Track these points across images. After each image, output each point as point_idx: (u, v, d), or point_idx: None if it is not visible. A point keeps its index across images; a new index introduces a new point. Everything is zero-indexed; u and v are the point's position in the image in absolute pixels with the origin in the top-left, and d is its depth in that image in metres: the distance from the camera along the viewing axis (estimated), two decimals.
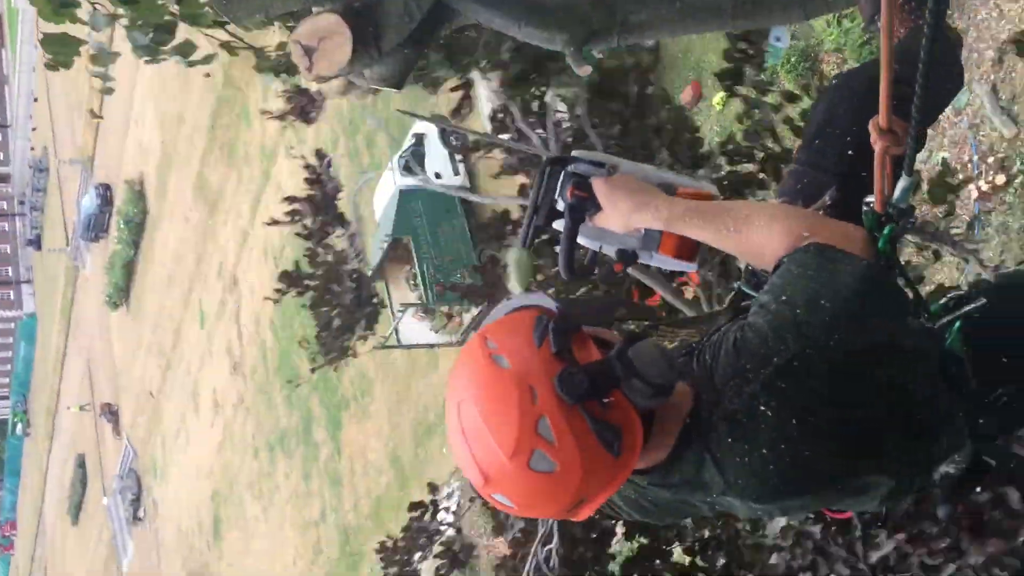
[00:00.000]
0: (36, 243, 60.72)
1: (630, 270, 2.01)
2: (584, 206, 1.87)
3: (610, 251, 1.93)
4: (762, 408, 1.59)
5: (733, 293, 2.07)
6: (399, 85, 2.34)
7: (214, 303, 28.28)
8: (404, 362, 17.73)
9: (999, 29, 7.83)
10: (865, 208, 1.89)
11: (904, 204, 1.83)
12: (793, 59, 9.79)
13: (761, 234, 1.71)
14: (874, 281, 1.65)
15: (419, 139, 15.90)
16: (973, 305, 1.81)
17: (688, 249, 1.89)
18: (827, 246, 1.65)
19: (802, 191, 2.22)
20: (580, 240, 1.93)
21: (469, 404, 1.50)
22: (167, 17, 3.57)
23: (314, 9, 1.94)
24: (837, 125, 2.21)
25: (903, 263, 2.30)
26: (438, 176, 15.52)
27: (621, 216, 1.84)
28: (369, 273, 16.26)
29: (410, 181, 15.36)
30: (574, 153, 1.98)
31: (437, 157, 15.74)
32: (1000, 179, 7.70)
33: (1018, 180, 7.56)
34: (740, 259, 1.86)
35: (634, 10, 2.33)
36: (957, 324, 1.83)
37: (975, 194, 7.88)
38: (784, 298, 1.64)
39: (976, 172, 7.96)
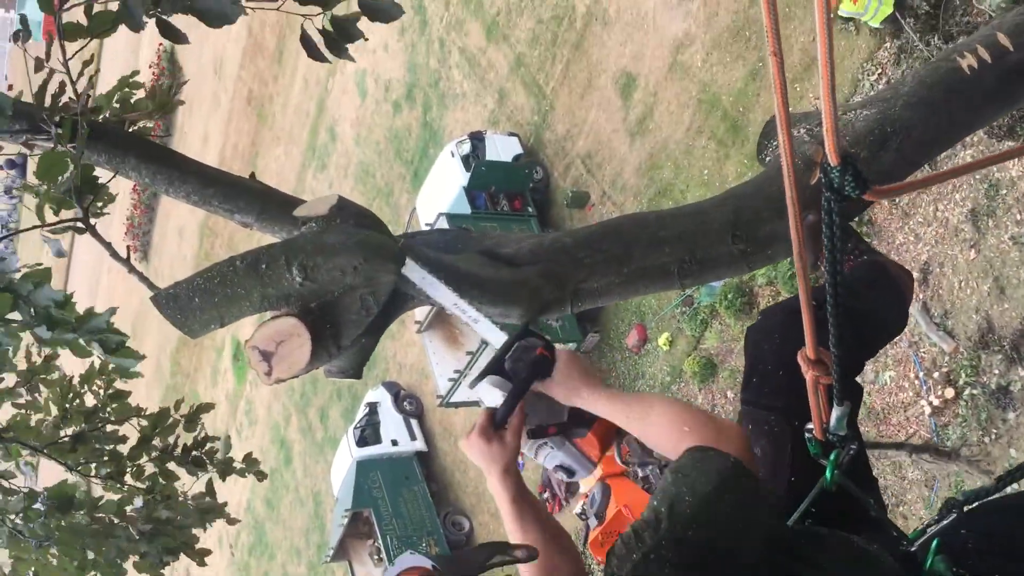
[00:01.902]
0: None
1: None
2: (547, 368, 2.04)
3: (530, 422, 2.10)
4: None
5: None
6: (358, 375, 2.32)
7: None
8: None
9: (919, 251, 8.26)
10: (807, 436, 1.94)
11: (842, 431, 1.87)
12: (730, 295, 10.16)
13: (654, 424, 1.89)
14: (735, 479, 1.68)
15: (372, 408, 15.87)
16: (946, 521, 1.77)
17: (602, 445, 2.12)
18: (701, 448, 1.73)
19: (754, 431, 2.27)
20: (491, 393, 2.07)
21: None
22: None
23: (269, 313, 1.95)
24: (766, 362, 2.31)
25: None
26: (395, 443, 15.36)
27: (570, 385, 2.03)
28: (330, 555, 15.68)
29: (366, 451, 15.14)
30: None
31: (392, 424, 15.66)
32: (949, 393, 7.82)
33: (967, 392, 7.69)
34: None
35: (584, 279, 2.39)
36: (935, 543, 1.78)
37: (928, 410, 7.97)
38: (655, 502, 1.68)
39: (924, 388, 8.10)
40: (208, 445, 4.69)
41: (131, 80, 2.76)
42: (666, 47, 11.67)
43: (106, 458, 4.23)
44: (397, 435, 15.39)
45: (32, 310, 2.50)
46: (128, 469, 4.34)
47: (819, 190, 2.15)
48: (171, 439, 4.53)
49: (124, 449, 4.36)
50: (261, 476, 4.93)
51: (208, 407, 4.79)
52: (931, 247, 8.16)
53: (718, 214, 2.35)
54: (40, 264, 3.81)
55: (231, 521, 4.77)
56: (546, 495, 13.17)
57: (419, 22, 17.06)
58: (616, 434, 2.16)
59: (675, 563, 1.57)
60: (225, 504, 4.72)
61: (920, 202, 8.35)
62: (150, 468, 4.49)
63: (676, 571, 1.57)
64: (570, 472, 2.18)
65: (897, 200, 8.51)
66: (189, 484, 4.63)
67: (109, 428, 4.26)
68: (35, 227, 2.26)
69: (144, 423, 4.41)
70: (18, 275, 2.62)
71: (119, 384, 4.41)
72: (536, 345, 2.08)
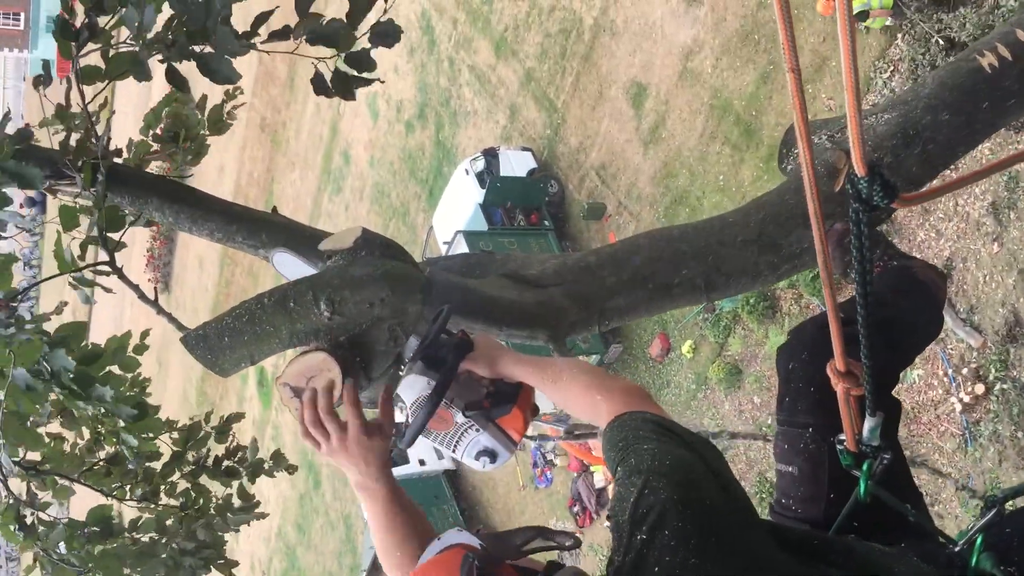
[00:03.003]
0: None
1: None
2: (469, 346, 2.03)
3: (458, 404, 2.10)
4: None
5: None
6: None
7: None
8: None
9: (941, 247, 8.19)
10: (839, 448, 1.91)
11: (875, 442, 1.84)
12: (752, 300, 10.10)
13: (565, 389, 1.92)
14: (657, 421, 1.68)
15: (398, 428, 15.86)
16: (987, 517, 1.73)
17: (524, 423, 2.09)
18: (618, 416, 1.73)
19: (790, 450, 2.23)
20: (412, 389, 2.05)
21: None
22: None
23: (298, 348, 1.95)
24: (798, 380, 2.26)
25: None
26: (422, 463, 15.34)
27: (491, 356, 2.04)
28: None
29: (395, 472, 15.10)
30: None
31: (419, 443, 15.62)
32: (979, 388, 7.73)
33: (997, 387, 7.60)
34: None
35: (610, 297, 2.38)
36: (979, 540, 1.73)
37: (959, 407, 7.88)
38: (618, 469, 1.62)
39: (954, 385, 8.02)
40: (240, 454, 4.67)
41: (176, 97, 2.78)
42: (675, 55, 11.67)
43: (139, 478, 4.22)
44: (424, 455, 15.38)
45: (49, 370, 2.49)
46: (162, 487, 4.32)
47: (843, 197, 2.13)
48: (203, 451, 4.52)
49: (157, 466, 4.34)
50: (292, 469, 4.90)
51: (239, 416, 4.79)
52: (953, 242, 8.09)
53: (743, 226, 2.33)
54: (65, 303, 3.83)
55: (259, 516, 4.70)
56: (576, 509, 13.11)
57: (428, 42, 17.14)
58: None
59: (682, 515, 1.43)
60: (258, 503, 4.66)
61: (939, 198, 8.28)
62: (182, 484, 4.47)
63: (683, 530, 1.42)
64: (492, 456, 2.14)
65: None
66: (221, 493, 4.60)
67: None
68: (61, 274, 2.27)
69: (175, 437, 4.40)
70: (48, 323, 2.62)
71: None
72: (453, 331, 2.10)
